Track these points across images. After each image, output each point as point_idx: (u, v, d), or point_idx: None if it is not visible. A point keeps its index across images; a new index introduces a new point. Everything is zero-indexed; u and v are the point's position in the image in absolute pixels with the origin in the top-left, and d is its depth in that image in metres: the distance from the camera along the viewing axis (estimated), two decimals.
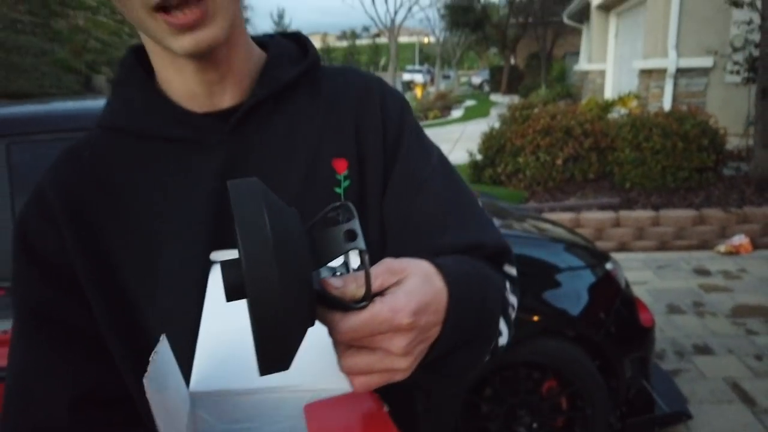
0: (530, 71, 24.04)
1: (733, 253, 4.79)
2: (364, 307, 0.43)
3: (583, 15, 15.26)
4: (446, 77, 36.76)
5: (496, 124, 6.64)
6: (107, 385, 0.63)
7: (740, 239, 4.84)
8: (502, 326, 0.60)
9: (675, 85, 7.30)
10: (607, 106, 8.04)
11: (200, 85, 0.63)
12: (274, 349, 0.39)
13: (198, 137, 0.63)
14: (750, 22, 5.72)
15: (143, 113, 0.65)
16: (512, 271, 0.68)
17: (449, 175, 0.71)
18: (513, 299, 0.66)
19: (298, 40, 0.74)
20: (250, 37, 0.69)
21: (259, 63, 0.68)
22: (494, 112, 16.05)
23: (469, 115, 16.63)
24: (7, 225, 1.79)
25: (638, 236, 5.03)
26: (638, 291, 3.96)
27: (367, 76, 0.73)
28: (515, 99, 17.86)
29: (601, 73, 12.56)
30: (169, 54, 0.60)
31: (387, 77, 13.69)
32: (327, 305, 0.43)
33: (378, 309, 0.43)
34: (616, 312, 2.40)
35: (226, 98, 0.65)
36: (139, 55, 0.68)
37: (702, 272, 4.47)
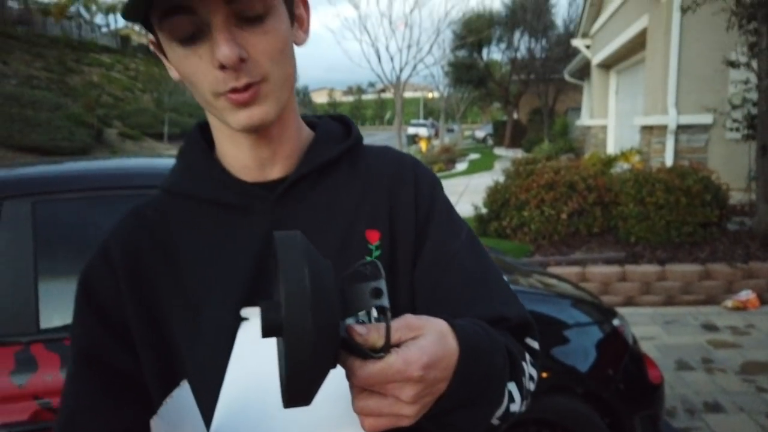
0: (533, 126, 24.47)
1: (741, 308, 4.78)
2: (381, 358, 0.47)
3: (583, 72, 15.67)
4: (450, 131, 37.37)
5: (500, 178, 6.74)
6: (143, 428, 0.68)
7: (747, 295, 4.84)
8: (515, 393, 0.64)
9: (676, 141, 7.43)
10: (610, 161, 8.17)
11: (253, 159, 0.71)
12: (302, 386, 0.44)
13: (247, 204, 0.71)
14: (747, 82, 5.88)
15: (202, 180, 0.73)
16: (534, 344, 0.73)
17: (477, 251, 0.76)
18: (532, 371, 0.70)
19: (343, 121, 0.82)
20: (301, 117, 0.78)
21: (307, 141, 0.76)
22: (498, 166, 16.27)
23: (474, 169, 16.84)
24: (30, 282, 1.83)
25: (645, 291, 5.04)
26: (646, 347, 3.95)
27: (403, 156, 0.81)
28: (519, 153, 18.14)
29: (603, 129, 12.79)
30: (228, 129, 0.68)
31: (392, 131, 13.98)
32: (349, 351, 0.48)
33: (393, 360, 0.48)
34: (625, 369, 2.41)
35: (275, 171, 0.73)
36: (203, 129, 0.77)
37: (710, 328, 4.45)
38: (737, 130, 6.27)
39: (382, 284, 0.48)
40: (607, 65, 12.54)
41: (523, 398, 0.65)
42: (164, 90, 31.74)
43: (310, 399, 0.45)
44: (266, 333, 0.46)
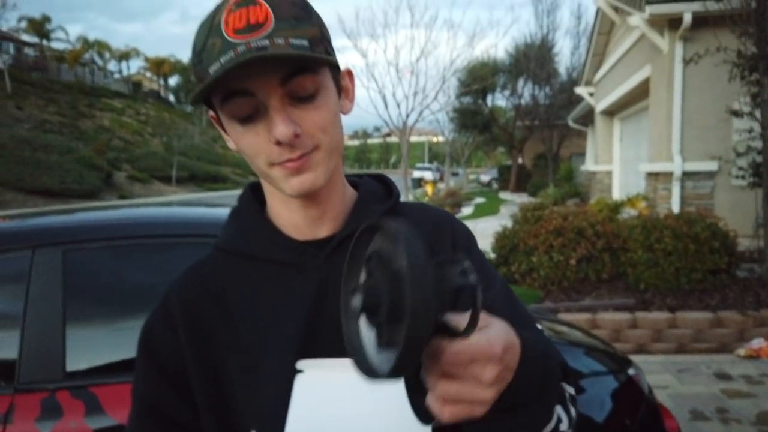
0: (538, 170, 24.68)
1: (754, 357, 4.74)
2: (467, 336, 0.51)
3: (587, 119, 15.92)
4: (455, 174, 37.69)
5: (507, 222, 6.80)
6: None
7: (759, 343, 4.81)
8: (562, 415, 0.68)
9: (682, 187, 7.50)
10: (617, 206, 8.23)
11: (303, 219, 0.77)
12: (413, 357, 0.47)
13: (298, 261, 0.76)
14: (751, 131, 5.97)
15: (256, 239, 0.78)
16: (570, 389, 0.76)
17: (511, 300, 0.82)
18: (573, 410, 0.73)
19: (382, 180, 0.89)
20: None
21: (352, 200, 0.82)
22: (504, 210, 16.35)
23: (480, 213, 16.91)
24: (58, 329, 1.86)
25: (656, 338, 5.01)
26: (660, 395, 3.91)
27: (440, 212, 0.87)
28: (524, 197, 18.25)
29: (609, 174, 12.91)
30: (280, 193, 0.74)
31: (398, 174, 14.13)
32: (438, 332, 0.52)
33: (478, 338, 0.52)
34: (642, 419, 2.40)
35: (324, 230, 0.78)
36: (254, 190, 0.84)
37: (723, 377, 4.41)
38: (743, 177, 6.34)
39: (469, 265, 0.53)
40: (610, 112, 12.75)
41: (570, 424, 0.69)
42: (174, 134, 32.28)
43: (412, 370, 0.49)
44: (368, 309, 0.51)
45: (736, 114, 6.08)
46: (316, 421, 0.69)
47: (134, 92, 49.36)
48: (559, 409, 0.68)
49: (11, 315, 1.88)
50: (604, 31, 11.91)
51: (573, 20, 28.49)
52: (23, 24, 42.03)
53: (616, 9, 9.88)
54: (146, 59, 54.67)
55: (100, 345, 1.98)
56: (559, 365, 0.69)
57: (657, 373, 4.48)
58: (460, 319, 0.52)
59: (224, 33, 0.64)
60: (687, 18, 6.99)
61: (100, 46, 49.45)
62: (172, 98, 59.24)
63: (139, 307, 2.10)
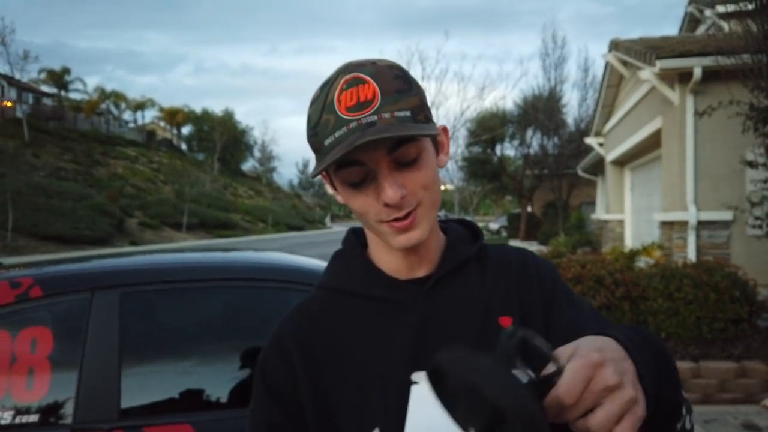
0: (548, 218, 24.77)
1: None
2: (561, 374, 0.55)
3: (597, 168, 16.10)
4: None
5: None
6: None
7: None
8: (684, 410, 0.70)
9: (697, 236, 7.54)
10: (632, 255, 8.25)
11: (405, 264, 0.86)
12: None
13: (400, 298, 0.84)
14: (766, 180, 6.05)
15: (361, 278, 0.87)
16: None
17: (601, 322, 0.87)
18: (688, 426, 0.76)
19: (466, 224, 0.97)
20: None
21: (442, 243, 0.90)
22: None
23: None
24: (114, 370, 1.91)
25: None
26: None
27: (522, 251, 0.95)
28: (534, 245, 18.26)
29: (620, 223, 12.96)
30: (386, 244, 0.82)
31: None
32: (543, 393, 0.55)
33: (572, 364, 0.56)
34: None
35: (421, 270, 0.87)
36: (356, 234, 0.93)
37: (751, 427, 4.36)
38: (760, 227, 6.39)
39: (509, 328, 0.58)
40: (621, 162, 12.91)
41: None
42: (185, 181, 32.74)
43: None
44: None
45: (751, 165, 6.17)
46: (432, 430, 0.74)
47: (148, 141, 50.32)
48: (684, 410, 0.71)
49: (70, 355, 1.94)
50: (613, 84, 12.19)
51: (580, 73, 29.18)
52: (43, 75, 43.34)
53: (624, 63, 10.15)
54: (161, 109, 56.01)
55: (154, 386, 2.02)
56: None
57: None
58: (548, 369, 0.56)
59: (337, 110, 0.73)
60: (697, 72, 7.18)
61: (117, 97, 50.80)
62: (184, 147, 60.26)
63: (190, 347, 2.16)
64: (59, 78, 43.95)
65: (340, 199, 0.83)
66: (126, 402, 1.90)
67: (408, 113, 0.74)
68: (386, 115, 0.72)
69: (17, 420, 1.86)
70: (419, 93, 0.78)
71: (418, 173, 0.77)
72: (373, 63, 0.77)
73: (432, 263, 0.87)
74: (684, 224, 7.65)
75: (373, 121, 0.72)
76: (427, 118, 0.79)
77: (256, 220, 40.13)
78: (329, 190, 0.85)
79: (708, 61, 6.85)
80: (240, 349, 2.12)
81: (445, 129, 0.88)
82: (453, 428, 0.73)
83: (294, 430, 0.81)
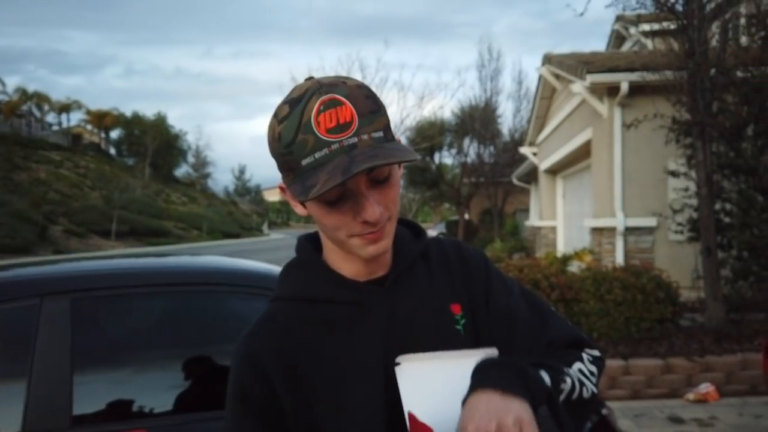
0: (484, 225, 25.43)
1: (702, 401, 5.03)
2: None
3: (531, 176, 16.68)
4: None
5: None
6: None
7: (707, 387, 5.11)
8: (567, 381, 0.84)
9: (625, 241, 7.98)
10: (565, 259, 8.63)
11: (365, 268, 0.91)
12: None
13: (364, 299, 0.89)
14: (687, 189, 6.50)
15: (323, 285, 0.91)
16: (593, 352, 0.95)
17: (529, 301, 0.98)
18: (592, 368, 0.91)
19: (408, 223, 1.02)
20: None
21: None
22: None
23: None
24: (66, 377, 1.86)
25: (611, 385, 5.24)
26: None
27: (455, 242, 1.03)
28: None
29: (553, 229, 13.49)
30: (347, 252, 0.87)
31: None
32: None
33: None
34: None
35: (379, 272, 0.92)
36: (310, 242, 0.97)
37: (676, 420, 4.66)
38: (681, 233, 6.84)
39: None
40: (553, 171, 13.46)
41: (573, 384, 0.85)
42: (115, 187, 31.45)
43: None
44: None
45: (673, 174, 6.61)
46: (429, 402, 0.81)
47: (74, 144, 48.00)
48: (568, 380, 0.84)
49: (18, 363, 1.88)
50: (546, 96, 12.71)
51: (515, 85, 30.23)
52: None
53: (557, 76, 10.62)
54: (88, 112, 53.51)
55: (109, 392, 1.98)
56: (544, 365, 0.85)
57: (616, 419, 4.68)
58: None
59: (316, 132, 0.75)
60: (624, 87, 7.63)
61: (39, 98, 48.14)
62: (113, 151, 57.89)
63: (145, 353, 2.13)
64: None
65: (299, 211, 0.87)
66: (79, 409, 1.85)
67: (381, 134, 0.79)
68: (365, 137, 0.76)
69: None
70: (385, 112, 0.82)
71: (390, 190, 0.82)
72: (343, 83, 0.79)
73: (386, 264, 0.92)
74: (612, 230, 8.08)
75: (354, 143, 0.75)
76: (393, 136, 0.83)
77: (190, 228, 38.98)
78: (291, 202, 0.86)
79: (634, 76, 7.28)
80: (194, 353, 2.11)
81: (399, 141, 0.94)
82: (446, 402, 0.79)
83: None
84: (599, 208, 8.67)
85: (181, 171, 64.64)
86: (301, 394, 0.85)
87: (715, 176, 6.17)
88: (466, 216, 27.53)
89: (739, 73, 6.04)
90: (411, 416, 0.80)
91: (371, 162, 0.73)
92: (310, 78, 0.81)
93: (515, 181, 18.30)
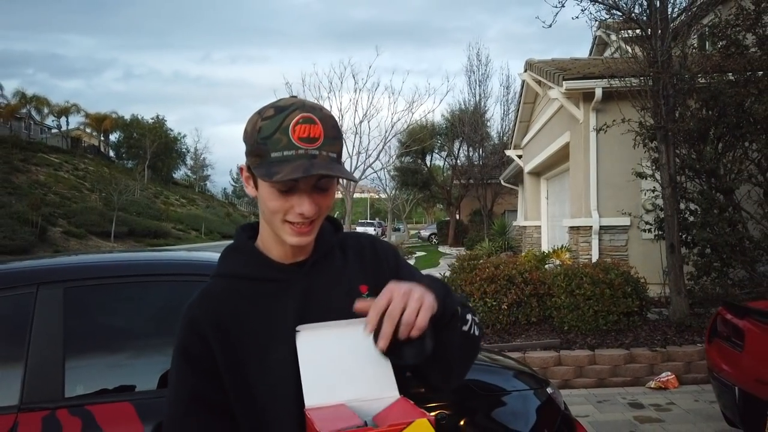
0: (474, 225, 25.75)
1: (662, 388, 5.34)
2: None
3: (518, 178, 17.00)
4: (397, 230, 38.45)
5: (447, 273, 7.32)
6: None
7: (667, 376, 5.42)
8: (469, 318, 1.09)
9: (600, 240, 8.30)
10: (544, 257, 8.94)
11: (290, 252, 1.11)
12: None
13: (287, 278, 1.10)
14: (654, 190, 6.80)
15: (254, 265, 1.12)
16: (469, 305, 1.19)
17: (431, 279, 1.18)
18: (477, 320, 1.15)
19: (330, 219, 1.22)
20: None
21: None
22: (443, 262, 16.97)
23: (421, 265, 17.41)
24: (58, 357, 2.12)
25: (578, 374, 5.56)
26: (582, 423, 4.39)
27: (370, 237, 1.29)
28: (462, 251, 18.98)
29: (537, 229, 13.81)
30: (279, 239, 1.08)
31: None
32: None
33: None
34: (558, 429, 2.86)
35: (301, 256, 1.13)
36: (245, 230, 1.20)
37: (636, 405, 4.97)
38: (649, 231, 7.15)
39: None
40: (537, 173, 13.78)
41: (471, 323, 1.10)
42: (114, 189, 31.62)
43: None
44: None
45: (642, 176, 6.92)
46: (322, 361, 1.04)
47: (73, 147, 48.21)
48: (469, 316, 1.11)
49: (17, 344, 2.14)
50: (529, 101, 13.03)
51: (502, 90, 30.65)
52: None
53: (539, 82, 10.93)
54: (87, 115, 53.68)
55: (97, 372, 2.26)
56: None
57: (579, 404, 4.99)
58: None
59: (290, 136, 0.97)
60: (598, 93, 7.95)
61: (38, 101, 48.30)
62: (112, 154, 58.05)
63: (129, 337, 2.41)
64: None
65: (250, 191, 1.10)
66: (70, 384, 2.11)
67: (335, 155, 1.04)
68: (324, 153, 1.01)
69: None
70: (342, 141, 1.09)
71: (326, 199, 1.07)
72: (321, 109, 1.05)
73: (308, 251, 1.13)
74: (588, 229, 8.39)
75: (315, 154, 0.98)
76: (340, 160, 1.09)
77: (188, 229, 39.23)
78: (244, 183, 1.11)
79: (606, 83, 7.60)
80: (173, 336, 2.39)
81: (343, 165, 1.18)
82: (336, 360, 1.05)
83: (214, 395, 1.04)
84: (576, 208, 8.99)
85: (180, 173, 64.86)
86: (231, 353, 1.05)
87: (679, 177, 6.48)
88: (457, 216, 27.86)
89: (701, 80, 6.36)
90: (309, 421, 0.94)
91: (326, 171, 0.99)
92: (295, 96, 1.08)
93: (503, 182, 18.64)
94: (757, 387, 3.06)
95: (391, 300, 0.93)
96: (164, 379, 2.25)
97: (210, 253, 2.86)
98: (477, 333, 1.12)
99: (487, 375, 2.87)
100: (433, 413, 0.92)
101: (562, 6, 6.41)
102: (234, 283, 1.12)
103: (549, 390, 3.01)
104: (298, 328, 1.04)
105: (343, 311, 1.05)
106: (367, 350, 0.99)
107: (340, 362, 1.03)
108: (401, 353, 0.96)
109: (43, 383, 2.08)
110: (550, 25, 6.71)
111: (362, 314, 0.97)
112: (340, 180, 1.10)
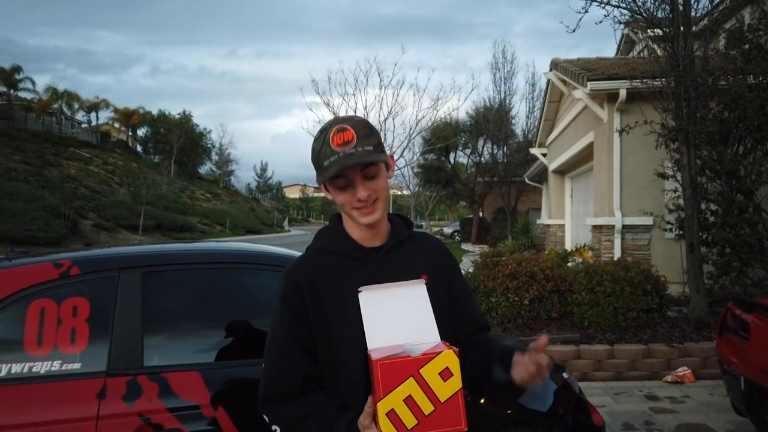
0: (497, 223, 25.86)
1: (679, 382, 5.55)
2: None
3: (542, 176, 17.12)
4: (419, 227, 38.65)
5: (471, 269, 7.58)
6: (316, 372, 1.40)
7: (684, 370, 5.63)
8: None
9: (623, 239, 8.48)
10: (566, 255, 9.14)
11: (367, 235, 1.47)
12: None
13: (365, 257, 1.44)
14: (676, 190, 6.96)
15: (341, 244, 1.47)
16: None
17: (470, 291, 1.57)
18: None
19: (402, 217, 1.60)
20: None
21: (388, 227, 1.53)
22: (466, 260, 17.17)
23: None
24: (138, 332, 2.46)
25: (597, 368, 5.79)
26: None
27: (438, 241, 1.61)
28: (485, 248, 19.18)
29: (561, 227, 13.96)
30: (354, 221, 1.44)
31: None
32: None
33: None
34: (573, 411, 3.13)
35: (376, 241, 1.49)
36: (336, 217, 1.53)
37: (652, 398, 5.19)
38: (671, 230, 7.31)
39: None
40: (561, 171, 13.92)
41: None
42: (142, 184, 32.38)
43: None
44: None
45: (664, 176, 7.09)
46: (379, 314, 1.36)
47: (102, 142, 49.38)
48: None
49: (104, 319, 2.49)
50: (554, 100, 13.18)
51: (528, 87, 30.63)
52: None
53: (564, 82, 11.09)
54: (115, 110, 54.98)
55: (171, 345, 2.60)
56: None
57: (597, 396, 5.22)
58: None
59: (331, 146, 1.31)
60: (622, 93, 8.12)
61: (69, 97, 49.61)
62: (140, 149, 59.26)
63: (198, 316, 2.74)
64: (9, 77, 42.73)
65: (329, 196, 1.43)
66: (147, 356, 2.45)
67: (371, 148, 1.35)
68: (360, 149, 1.33)
69: (64, 367, 2.38)
70: (378, 136, 1.40)
71: (377, 183, 1.38)
72: (352, 118, 1.39)
73: (383, 238, 1.46)
74: (611, 228, 8.57)
75: (352, 152, 1.32)
76: (382, 150, 1.41)
77: (213, 223, 39.99)
78: (324, 192, 1.43)
79: (630, 83, 7.75)
80: (235, 317, 2.72)
81: (391, 156, 1.51)
82: (392, 316, 1.37)
83: (306, 337, 1.37)
84: (599, 207, 9.16)
85: (205, 168, 65.88)
86: (320, 308, 1.37)
87: (699, 178, 6.64)
88: (480, 214, 27.98)
89: (722, 82, 6.51)
90: (369, 355, 1.24)
91: (355, 160, 1.31)
92: (334, 117, 1.42)
93: (527, 180, 18.76)
94: (761, 376, 3.29)
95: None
96: (223, 352, 2.58)
97: (263, 246, 3.19)
98: None
99: None
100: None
101: (585, 12, 6.60)
102: (324, 255, 1.45)
103: (565, 375, 3.28)
104: (360, 288, 1.36)
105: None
106: (415, 306, 1.33)
107: (393, 315, 1.36)
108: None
109: (125, 353, 2.39)
110: (574, 30, 6.90)
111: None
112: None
